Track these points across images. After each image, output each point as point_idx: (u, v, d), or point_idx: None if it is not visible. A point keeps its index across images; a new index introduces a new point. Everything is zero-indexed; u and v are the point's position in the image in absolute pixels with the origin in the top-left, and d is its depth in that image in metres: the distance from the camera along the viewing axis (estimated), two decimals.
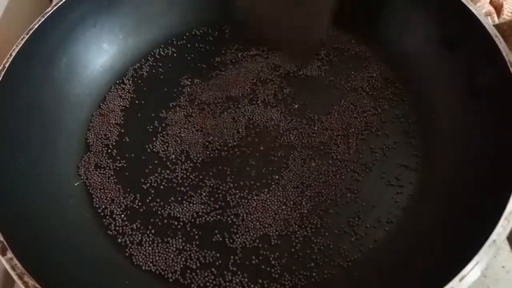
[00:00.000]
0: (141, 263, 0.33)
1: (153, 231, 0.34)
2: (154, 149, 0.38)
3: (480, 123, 0.33)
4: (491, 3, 0.45)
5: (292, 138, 0.38)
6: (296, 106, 0.40)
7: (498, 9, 0.45)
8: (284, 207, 0.34)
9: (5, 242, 0.27)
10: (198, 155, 0.37)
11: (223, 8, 0.45)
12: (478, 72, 0.34)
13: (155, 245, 0.33)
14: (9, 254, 0.27)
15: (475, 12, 0.34)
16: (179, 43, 0.45)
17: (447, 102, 0.37)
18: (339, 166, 0.36)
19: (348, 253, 0.32)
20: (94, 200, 0.36)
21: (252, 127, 0.39)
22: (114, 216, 0.35)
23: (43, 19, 0.37)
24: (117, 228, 0.34)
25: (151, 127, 0.39)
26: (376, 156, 0.36)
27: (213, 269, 0.32)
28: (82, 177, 0.37)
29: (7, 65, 0.34)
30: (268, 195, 0.35)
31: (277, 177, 0.36)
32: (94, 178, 0.37)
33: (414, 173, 0.35)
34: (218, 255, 0.33)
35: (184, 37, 0.45)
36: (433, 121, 0.37)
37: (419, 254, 0.31)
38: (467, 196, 0.31)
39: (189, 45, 0.44)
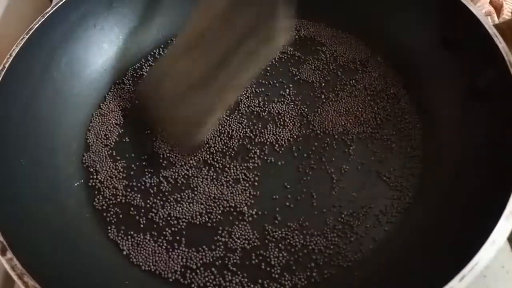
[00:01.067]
0: (140, 263, 0.33)
1: (153, 231, 0.34)
2: (154, 149, 0.38)
3: (480, 123, 0.33)
4: (491, 3, 0.45)
5: (291, 139, 0.38)
6: (295, 107, 0.40)
7: (498, 9, 0.45)
8: (284, 207, 0.34)
9: (5, 242, 0.27)
10: (198, 155, 0.37)
11: None
12: (478, 72, 0.34)
13: (155, 245, 0.34)
14: (9, 254, 0.27)
15: (475, 12, 0.34)
16: None
17: (447, 102, 0.36)
18: (339, 166, 0.36)
19: (348, 253, 0.32)
20: (94, 200, 0.36)
21: (252, 128, 0.39)
22: (114, 216, 0.35)
23: (43, 19, 0.37)
24: (117, 228, 0.34)
25: (151, 127, 0.39)
26: (376, 156, 0.36)
27: (213, 269, 0.32)
28: (82, 177, 0.37)
29: (7, 65, 0.34)
30: (268, 195, 0.35)
31: (277, 177, 0.36)
32: (94, 178, 0.37)
33: (414, 174, 0.35)
34: (218, 255, 0.33)
35: None
36: (433, 121, 0.37)
37: (419, 254, 0.31)
38: (467, 196, 0.31)
39: None
